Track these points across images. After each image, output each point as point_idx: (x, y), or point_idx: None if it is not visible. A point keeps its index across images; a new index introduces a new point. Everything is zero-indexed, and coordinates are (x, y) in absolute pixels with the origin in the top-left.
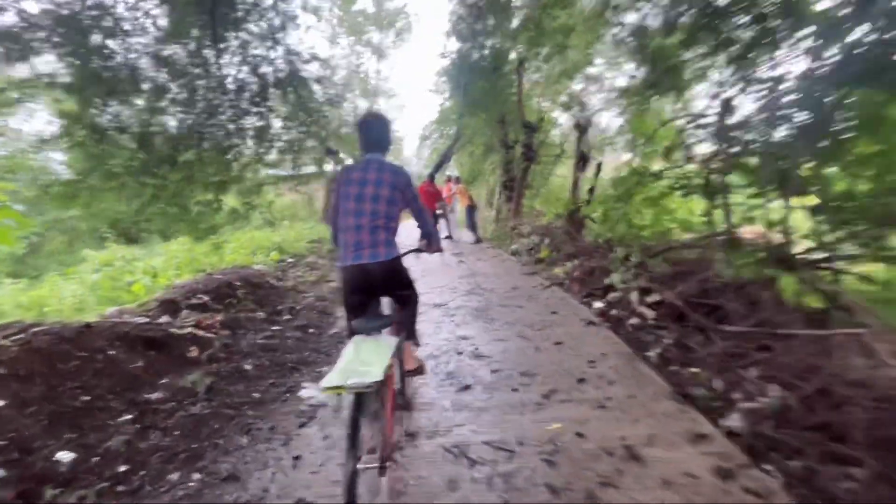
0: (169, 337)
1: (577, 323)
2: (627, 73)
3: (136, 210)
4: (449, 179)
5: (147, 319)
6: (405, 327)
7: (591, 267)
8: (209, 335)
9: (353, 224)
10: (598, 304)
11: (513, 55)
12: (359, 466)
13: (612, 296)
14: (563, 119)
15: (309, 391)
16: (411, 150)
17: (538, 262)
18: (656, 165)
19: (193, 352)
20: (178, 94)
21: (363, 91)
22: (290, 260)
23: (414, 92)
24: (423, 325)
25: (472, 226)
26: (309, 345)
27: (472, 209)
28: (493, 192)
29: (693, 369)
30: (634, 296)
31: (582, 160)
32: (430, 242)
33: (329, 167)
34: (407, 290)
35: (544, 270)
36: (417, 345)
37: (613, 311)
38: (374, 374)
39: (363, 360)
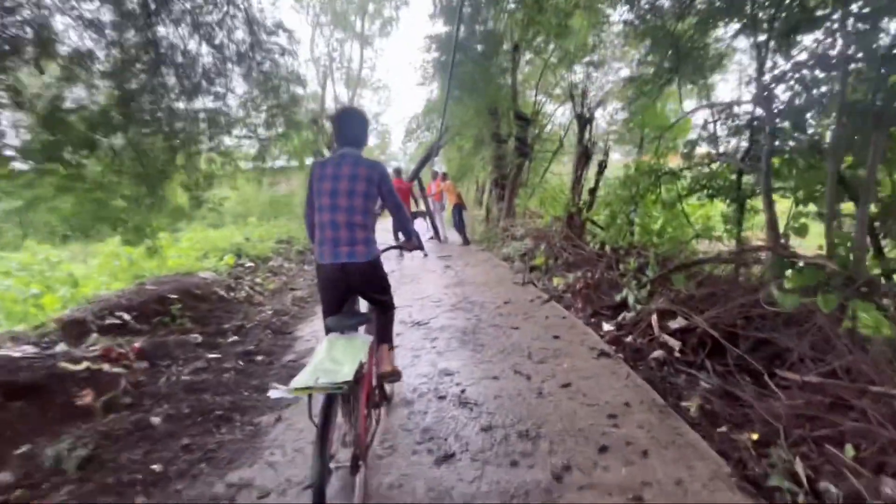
0: (52, 377)
1: (585, 353)
2: (635, 59)
3: (28, 204)
4: (435, 176)
5: (34, 350)
6: (379, 330)
7: (596, 279)
8: (116, 370)
9: (329, 220)
10: (607, 327)
11: (505, 45)
12: (331, 465)
13: (624, 316)
14: (562, 112)
15: (278, 392)
16: (397, 145)
17: (532, 269)
18: (671, 162)
19: (86, 397)
20: (107, 65)
21: (347, 81)
22: (250, 264)
23: (401, 84)
24: (398, 351)
25: (461, 226)
26: (252, 380)
27: (460, 208)
28: (483, 189)
29: (752, 435)
30: (654, 320)
31: (584, 156)
32: (409, 239)
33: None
34: (384, 294)
35: (540, 280)
36: (392, 347)
37: (628, 338)
38: (345, 373)
39: (335, 358)
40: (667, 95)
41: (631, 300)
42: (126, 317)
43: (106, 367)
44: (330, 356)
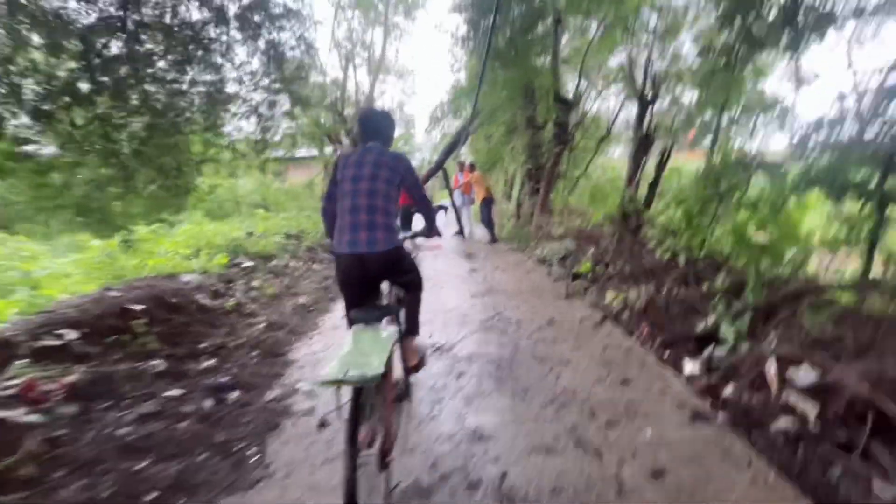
0: None
1: (671, 411)
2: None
3: None
4: (462, 166)
5: None
6: (406, 318)
7: (666, 298)
8: (30, 419)
9: (349, 206)
10: (691, 368)
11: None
12: (358, 462)
13: (713, 354)
14: (608, 96)
15: (305, 384)
16: (421, 134)
17: (576, 277)
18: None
19: None
20: (77, 24)
21: (369, 68)
22: (248, 264)
23: (427, 72)
24: (414, 395)
25: (489, 222)
26: (217, 434)
27: (489, 202)
28: (513, 182)
29: None
30: (772, 368)
31: (644, 144)
32: (430, 228)
33: (330, 150)
34: (409, 274)
35: (588, 292)
36: (417, 334)
37: (728, 389)
38: (375, 367)
39: (362, 351)
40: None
41: (726, 333)
42: (72, 335)
43: (19, 412)
44: (357, 349)
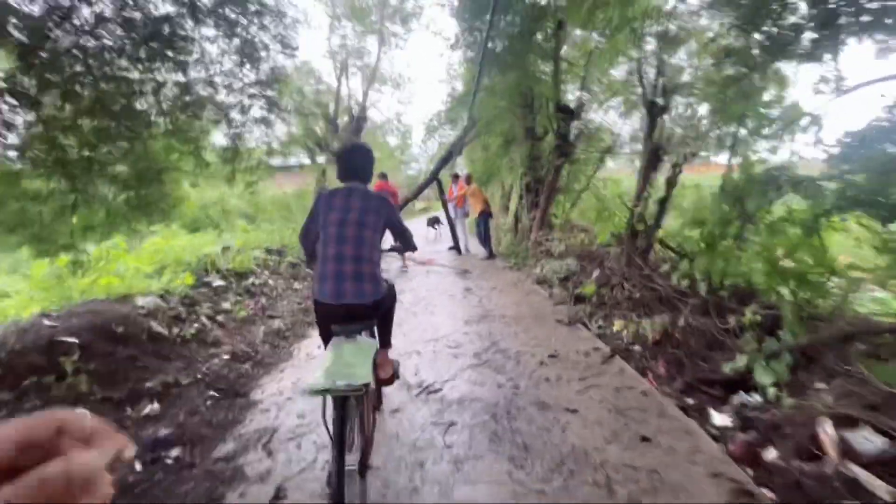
0: None
1: (704, 482)
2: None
3: None
4: (456, 178)
5: None
6: (379, 331)
7: (683, 331)
8: None
9: (334, 254)
10: (721, 420)
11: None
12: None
13: (748, 402)
14: (617, 102)
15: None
16: (418, 145)
17: (579, 300)
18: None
19: None
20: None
21: (366, 77)
22: (220, 283)
23: (423, 81)
24: (378, 453)
25: (486, 238)
26: None
27: (486, 216)
28: (511, 195)
29: None
30: (827, 430)
31: (654, 157)
32: (406, 247)
33: (323, 159)
34: (385, 305)
35: (593, 319)
36: (390, 346)
37: (771, 454)
38: (361, 375)
39: (346, 362)
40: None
41: (761, 378)
42: None
43: None
44: (341, 360)
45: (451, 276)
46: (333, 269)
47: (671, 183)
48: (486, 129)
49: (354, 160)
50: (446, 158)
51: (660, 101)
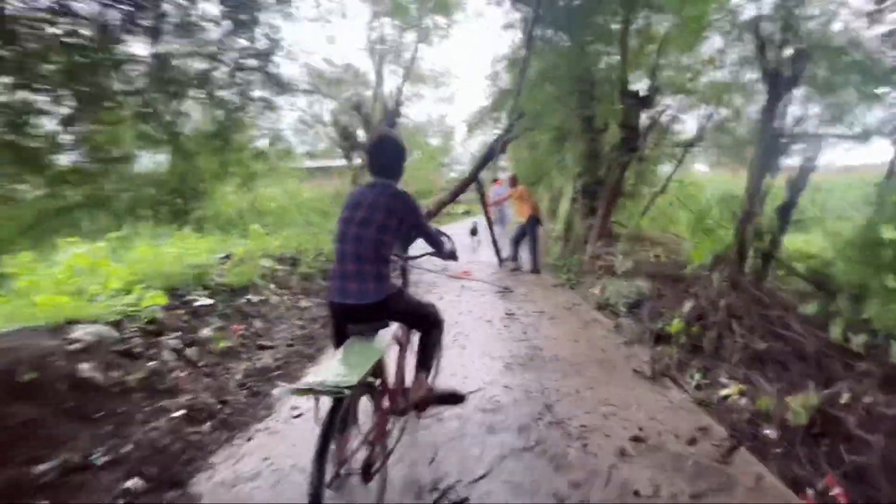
0: None
1: None
2: None
3: None
4: (496, 180)
5: None
6: (419, 353)
7: (857, 416)
8: None
9: (339, 252)
10: None
11: None
12: (341, 471)
13: None
14: (701, 84)
15: (280, 390)
16: (462, 145)
17: (658, 339)
18: None
19: None
20: None
21: (408, 75)
22: (204, 302)
23: (468, 79)
24: None
25: (534, 248)
26: None
27: (535, 223)
28: (560, 198)
29: None
30: None
31: (774, 152)
32: (440, 250)
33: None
34: (410, 315)
35: (685, 370)
36: (428, 372)
37: None
38: (353, 375)
39: (347, 361)
40: None
41: None
42: None
43: None
44: (344, 359)
45: (490, 295)
46: (338, 269)
47: (797, 184)
48: (535, 122)
49: (381, 155)
50: (487, 157)
51: (785, 69)
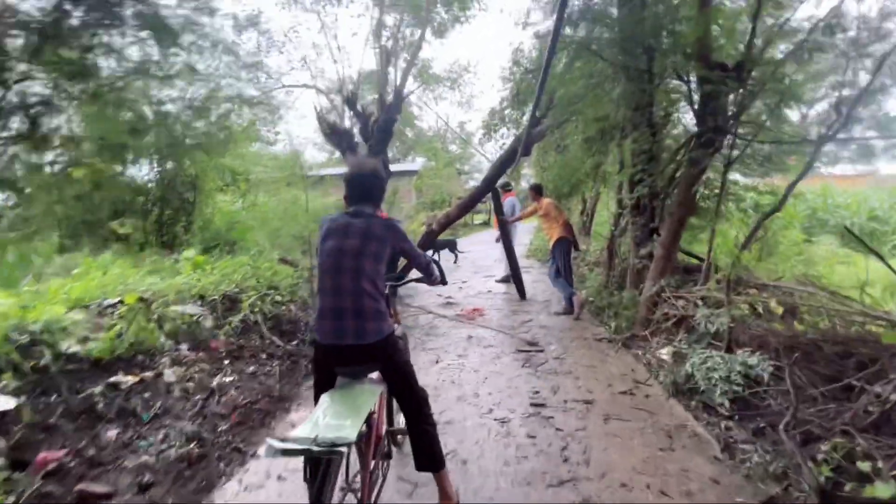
0: None
1: None
2: None
3: None
4: (507, 190)
5: None
6: (416, 454)
7: None
8: None
9: (331, 286)
10: None
11: None
12: None
13: None
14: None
15: (269, 449)
16: (476, 149)
17: (828, 495)
18: None
19: None
20: None
21: (420, 76)
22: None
23: (487, 84)
24: None
25: (566, 279)
26: None
27: (567, 246)
28: (592, 213)
29: None
30: None
31: None
32: (429, 276)
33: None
34: (403, 376)
35: None
36: (443, 467)
37: None
38: (348, 430)
39: (338, 411)
40: None
41: None
42: None
43: None
44: (333, 408)
45: (509, 355)
46: (332, 305)
47: None
48: (569, 113)
49: (360, 183)
50: (507, 161)
51: None
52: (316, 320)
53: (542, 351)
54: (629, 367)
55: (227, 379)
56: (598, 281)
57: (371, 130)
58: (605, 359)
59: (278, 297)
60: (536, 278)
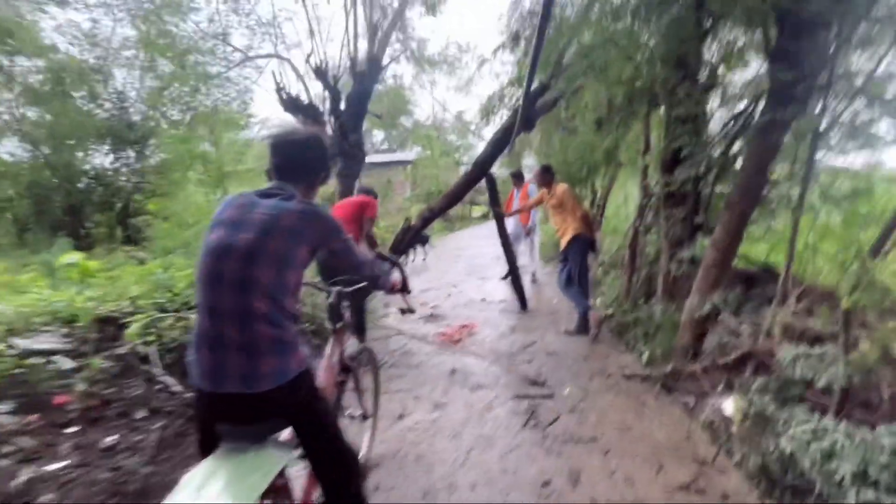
0: None
1: None
2: None
3: None
4: (518, 178)
5: None
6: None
7: None
8: None
9: (207, 305)
10: None
11: None
12: None
13: None
14: None
15: None
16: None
17: None
18: None
19: None
20: None
21: (412, 57)
22: None
23: (482, 59)
24: None
25: (581, 288)
26: None
27: (584, 245)
28: (605, 203)
29: None
30: None
31: None
32: (375, 282)
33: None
34: (325, 436)
35: None
36: None
37: None
38: None
39: (219, 488)
40: None
41: None
42: None
43: None
44: (214, 484)
45: (503, 405)
46: (208, 334)
47: None
48: (584, 75)
49: (286, 152)
50: (501, 139)
51: None
52: (191, 355)
53: (551, 396)
54: (681, 428)
55: (54, 466)
56: (617, 288)
57: (345, 104)
58: (641, 410)
59: (194, 316)
60: (543, 280)
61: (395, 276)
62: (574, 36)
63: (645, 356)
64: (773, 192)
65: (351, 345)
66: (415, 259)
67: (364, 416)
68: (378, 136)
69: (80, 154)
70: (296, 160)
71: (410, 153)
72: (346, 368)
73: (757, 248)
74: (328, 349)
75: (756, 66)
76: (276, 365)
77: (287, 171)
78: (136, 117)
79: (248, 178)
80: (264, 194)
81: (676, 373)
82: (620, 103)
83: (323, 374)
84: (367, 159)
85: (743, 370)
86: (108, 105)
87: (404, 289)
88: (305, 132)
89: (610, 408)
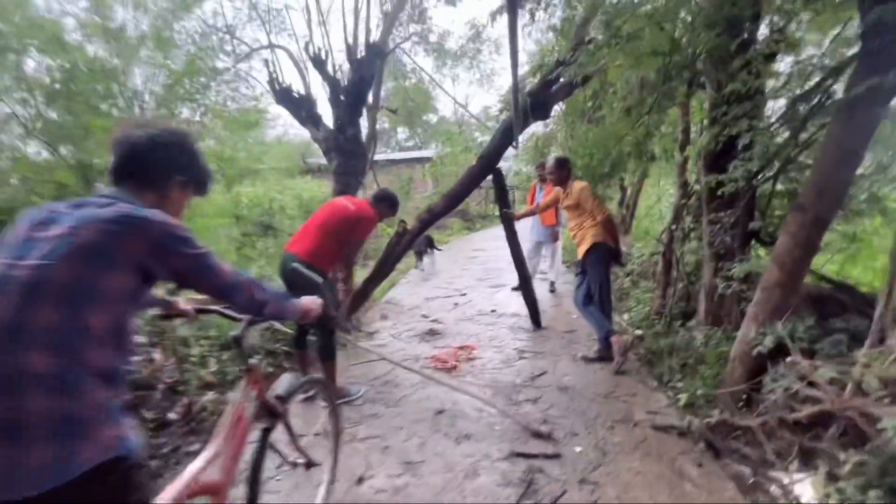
0: None
1: None
2: None
3: None
4: (543, 171)
5: None
6: None
7: None
8: None
9: None
10: None
11: None
12: None
13: None
14: None
15: None
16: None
17: None
18: None
19: None
20: None
21: (428, 46)
22: None
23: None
24: None
25: (604, 309)
26: None
27: (605, 255)
28: (634, 205)
29: None
30: None
31: None
32: (260, 309)
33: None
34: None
35: None
36: None
37: None
38: None
39: None
40: None
41: None
42: None
43: None
44: None
45: (493, 467)
46: None
47: None
48: (609, 47)
49: (124, 151)
50: (508, 129)
51: None
52: None
53: (557, 456)
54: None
55: None
56: (647, 303)
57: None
58: (678, 484)
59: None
60: (562, 290)
61: (305, 301)
62: None
63: (683, 398)
64: (861, 190)
65: (283, 382)
66: (422, 268)
67: (308, 465)
68: (402, 133)
69: (99, 160)
70: (136, 161)
71: (433, 150)
72: (273, 412)
73: (823, 257)
74: (237, 394)
75: (838, 25)
76: (53, 454)
77: (124, 174)
78: (148, 115)
79: (273, 176)
80: (79, 205)
81: (726, 426)
82: (654, 83)
83: (227, 430)
84: (389, 156)
85: (822, 434)
86: (121, 104)
87: (326, 315)
88: (156, 128)
89: (635, 479)
